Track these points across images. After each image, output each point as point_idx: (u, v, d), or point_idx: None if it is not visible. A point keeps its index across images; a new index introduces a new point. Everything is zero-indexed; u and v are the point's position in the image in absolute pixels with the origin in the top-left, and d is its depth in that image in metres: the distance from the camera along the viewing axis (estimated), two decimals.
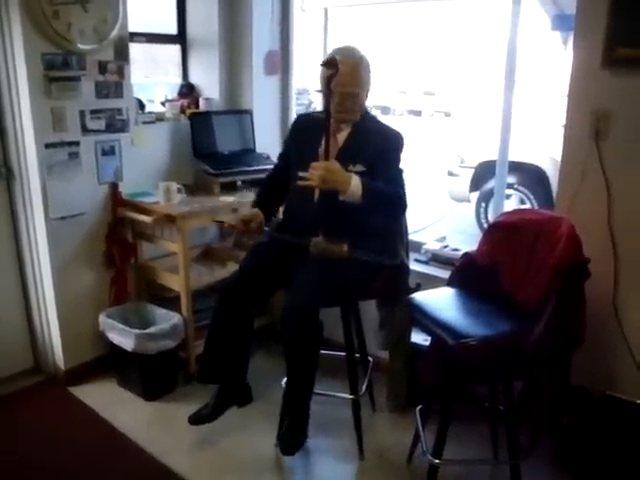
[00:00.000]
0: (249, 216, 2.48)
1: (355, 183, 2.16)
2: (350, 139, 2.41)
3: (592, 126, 2.35)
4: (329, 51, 2.42)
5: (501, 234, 2.33)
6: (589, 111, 2.35)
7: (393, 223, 2.55)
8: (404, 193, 2.34)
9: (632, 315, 2.38)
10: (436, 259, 3.07)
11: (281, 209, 2.69)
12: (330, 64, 2.17)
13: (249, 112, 3.56)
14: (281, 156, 2.69)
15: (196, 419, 2.53)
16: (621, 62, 2.24)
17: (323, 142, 2.26)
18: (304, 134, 2.49)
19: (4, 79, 2.73)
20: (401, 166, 2.41)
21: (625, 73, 2.24)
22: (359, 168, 2.21)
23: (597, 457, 2.32)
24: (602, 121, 2.33)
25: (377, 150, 2.33)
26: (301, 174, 2.22)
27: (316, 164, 2.19)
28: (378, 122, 2.50)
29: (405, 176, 2.42)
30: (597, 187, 2.37)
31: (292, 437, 2.35)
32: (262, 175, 3.19)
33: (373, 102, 13.85)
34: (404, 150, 2.41)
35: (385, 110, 15.39)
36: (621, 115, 2.28)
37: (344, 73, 2.21)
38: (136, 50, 3.26)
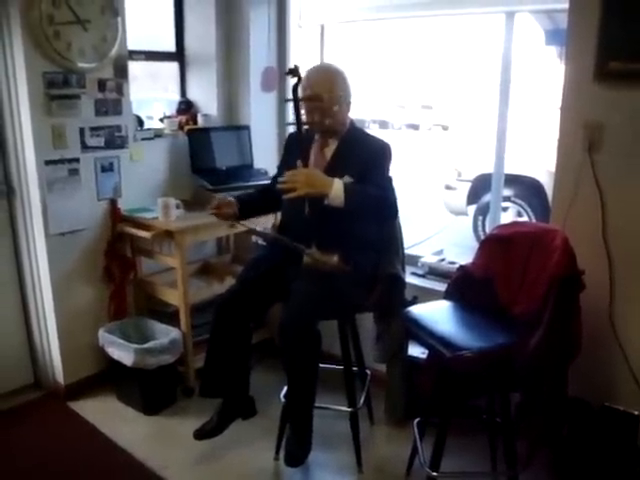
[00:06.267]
0: (224, 201, 2.56)
1: (337, 186, 2.18)
2: (337, 153, 2.45)
3: (585, 138, 2.37)
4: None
5: (496, 247, 2.35)
6: (582, 124, 2.37)
7: (385, 227, 2.56)
8: (394, 197, 2.36)
9: (628, 325, 2.39)
10: (433, 272, 3.09)
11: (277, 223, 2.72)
12: (293, 72, 2.24)
13: (247, 128, 3.60)
14: (275, 174, 2.73)
15: (201, 434, 2.53)
16: (612, 75, 2.27)
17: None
18: (292, 151, 2.52)
19: (5, 97, 2.77)
20: (390, 174, 2.43)
21: (616, 86, 2.27)
22: (347, 180, 2.24)
23: (595, 468, 2.33)
24: (595, 133, 2.35)
25: (365, 161, 2.36)
26: (280, 179, 2.26)
27: (295, 171, 2.23)
28: (365, 134, 2.54)
29: (395, 183, 2.44)
30: (591, 199, 2.39)
31: (297, 449, 2.35)
32: None
33: (371, 116, 13.95)
34: (391, 160, 2.43)
35: (383, 124, 15.47)
36: (613, 127, 2.31)
37: (309, 81, 2.31)
38: (135, 67, 3.30)
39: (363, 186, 2.25)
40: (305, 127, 2.40)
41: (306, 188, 2.17)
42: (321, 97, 2.33)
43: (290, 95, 2.29)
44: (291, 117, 3.71)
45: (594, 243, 2.40)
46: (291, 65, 2.30)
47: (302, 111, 2.35)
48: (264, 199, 2.67)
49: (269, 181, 2.93)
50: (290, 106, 3.63)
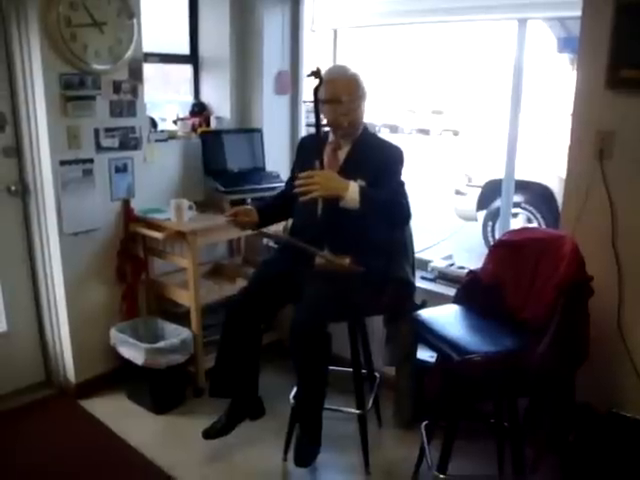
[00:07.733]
0: (242, 209, 2.60)
1: (353, 188, 2.20)
2: (350, 155, 2.48)
3: (596, 145, 2.38)
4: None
5: (505, 252, 2.36)
6: (593, 131, 2.38)
7: (396, 231, 2.58)
8: (406, 202, 2.37)
9: (636, 332, 2.39)
10: (442, 277, 3.10)
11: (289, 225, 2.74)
12: (315, 74, 2.26)
13: (259, 131, 3.61)
14: (289, 179, 2.76)
15: (210, 433, 2.55)
16: (624, 83, 2.27)
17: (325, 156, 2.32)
18: (306, 153, 2.55)
19: (22, 98, 2.81)
20: (402, 178, 2.46)
21: (628, 94, 2.27)
22: (360, 183, 2.27)
23: (602, 474, 2.33)
24: (606, 141, 2.36)
25: (377, 164, 2.38)
26: (297, 182, 2.26)
27: (312, 173, 2.25)
28: (377, 138, 2.56)
29: (407, 188, 2.46)
30: (601, 206, 2.40)
31: (306, 450, 2.38)
32: (271, 193, 3.25)
33: (382, 121, 13.97)
34: (404, 163, 2.46)
35: (394, 129, 15.47)
36: (624, 135, 2.32)
37: (328, 83, 2.32)
38: (149, 69, 3.33)
39: (377, 190, 2.28)
40: (324, 129, 2.43)
41: (323, 190, 2.19)
42: (341, 99, 2.37)
43: (305, 97, 2.32)
44: (304, 120, 3.74)
45: (604, 250, 2.40)
46: (306, 68, 2.34)
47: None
48: (281, 205, 2.69)
49: (282, 185, 2.95)
50: (306, 109, 3.66)
